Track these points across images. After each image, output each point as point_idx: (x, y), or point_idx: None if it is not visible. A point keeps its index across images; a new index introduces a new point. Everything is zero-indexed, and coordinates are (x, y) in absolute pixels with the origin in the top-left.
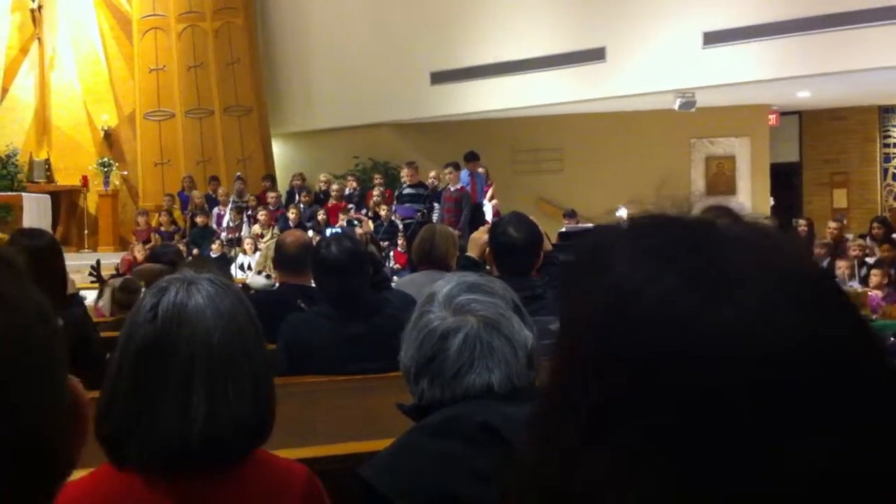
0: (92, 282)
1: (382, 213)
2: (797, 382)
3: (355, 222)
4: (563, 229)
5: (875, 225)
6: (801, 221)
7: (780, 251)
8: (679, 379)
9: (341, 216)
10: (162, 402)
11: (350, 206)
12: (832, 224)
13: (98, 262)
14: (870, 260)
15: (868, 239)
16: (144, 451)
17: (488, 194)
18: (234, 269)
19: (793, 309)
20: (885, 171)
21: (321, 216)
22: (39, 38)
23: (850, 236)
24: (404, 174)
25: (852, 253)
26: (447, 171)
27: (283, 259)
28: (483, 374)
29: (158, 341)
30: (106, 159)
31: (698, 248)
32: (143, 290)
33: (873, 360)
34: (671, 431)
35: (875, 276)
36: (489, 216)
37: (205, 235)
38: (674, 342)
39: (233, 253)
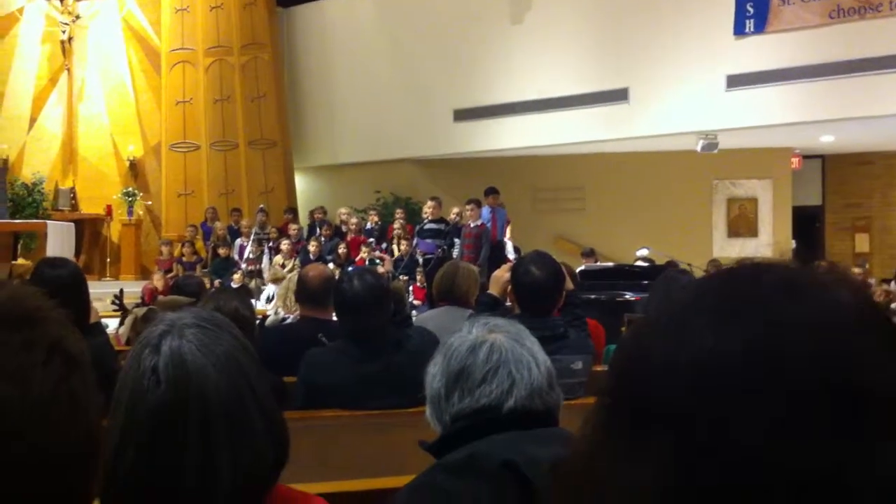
0: (114, 310)
1: (403, 247)
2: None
3: (377, 261)
4: (582, 268)
5: None
6: (824, 265)
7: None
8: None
9: (363, 248)
10: (183, 463)
11: (370, 239)
12: (856, 270)
13: (121, 290)
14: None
15: (893, 283)
16: None
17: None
18: (262, 302)
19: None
20: None
21: (342, 249)
22: (69, 70)
23: (872, 281)
24: (427, 208)
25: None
26: (468, 207)
27: (305, 293)
28: (506, 381)
29: (169, 407)
30: (130, 189)
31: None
32: None
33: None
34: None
35: None
36: (511, 254)
37: (226, 267)
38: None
39: (253, 284)
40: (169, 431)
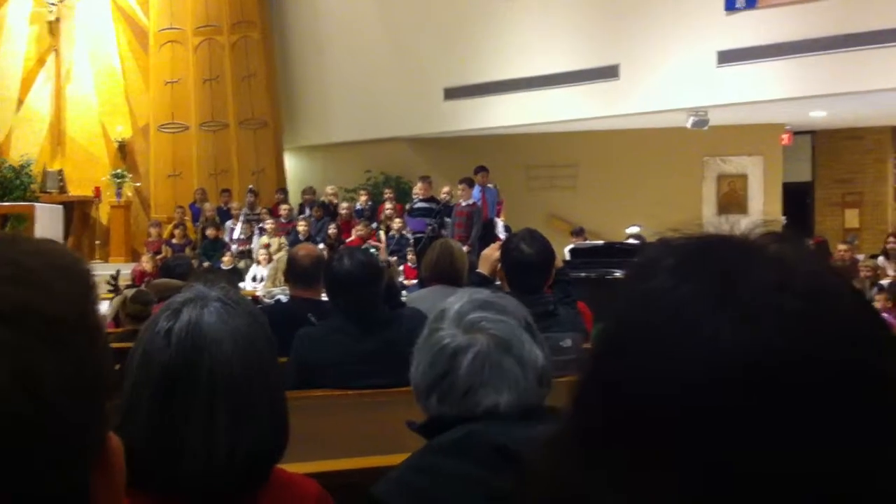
0: (108, 291)
1: (394, 227)
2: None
3: (373, 249)
4: (571, 246)
5: (890, 240)
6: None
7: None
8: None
9: (354, 231)
10: (184, 431)
11: (362, 219)
12: (842, 246)
13: (118, 272)
14: (884, 282)
15: (881, 258)
16: (166, 477)
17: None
18: (247, 281)
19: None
20: None
21: (332, 230)
22: (56, 50)
23: (861, 257)
24: (418, 188)
25: (863, 275)
26: (460, 186)
27: (295, 273)
28: (491, 395)
29: (177, 370)
30: (119, 171)
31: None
32: (155, 303)
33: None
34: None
35: (878, 301)
36: (501, 233)
37: (216, 248)
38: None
39: (243, 265)
40: (171, 397)
